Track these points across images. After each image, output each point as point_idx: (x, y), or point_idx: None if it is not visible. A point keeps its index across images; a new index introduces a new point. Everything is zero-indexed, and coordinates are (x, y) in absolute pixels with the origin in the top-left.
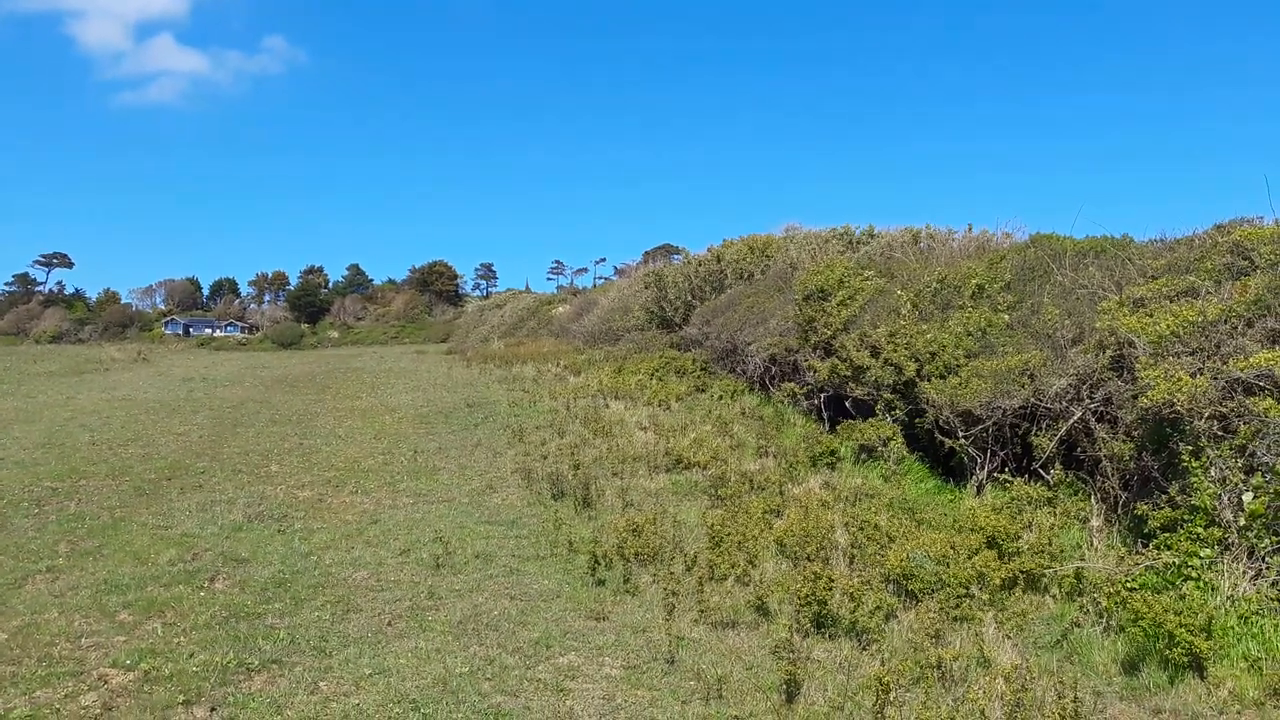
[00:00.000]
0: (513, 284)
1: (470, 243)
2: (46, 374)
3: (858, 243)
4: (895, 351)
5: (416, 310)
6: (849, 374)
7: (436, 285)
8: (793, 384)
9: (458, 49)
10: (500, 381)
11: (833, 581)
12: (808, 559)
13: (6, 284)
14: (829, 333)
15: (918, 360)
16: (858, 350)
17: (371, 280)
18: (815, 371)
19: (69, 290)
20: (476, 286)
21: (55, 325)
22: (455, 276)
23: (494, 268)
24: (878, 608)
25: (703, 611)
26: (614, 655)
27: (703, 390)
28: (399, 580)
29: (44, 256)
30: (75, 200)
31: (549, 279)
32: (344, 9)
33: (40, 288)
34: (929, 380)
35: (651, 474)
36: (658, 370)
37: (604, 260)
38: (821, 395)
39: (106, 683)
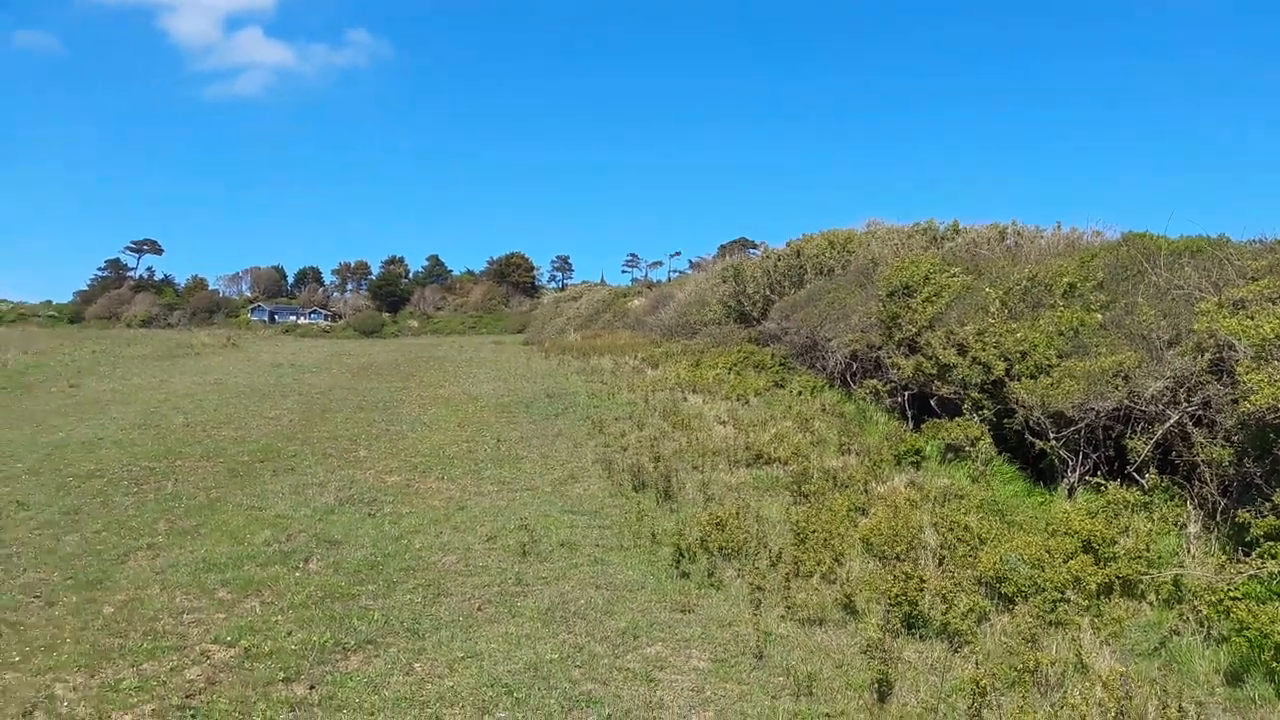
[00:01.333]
0: (588, 276)
1: (547, 235)
2: (140, 357)
3: (941, 239)
4: (984, 350)
5: (493, 301)
6: (934, 372)
7: (513, 277)
8: (875, 381)
9: (538, 43)
10: (578, 373)
11: (924, 582)
12: (897, 559)
13: (99, 269)
14: (914, 330)
15: (1007, 359)
16: (944, 348)
17: (450, 271)
18: (899, 369)
19: (159, 276)
20: (552, 279)
21: (145, 310)
22: (532, 268)
23: (570, 260)
24: (970, 610)
25: (789, 608)
26: (701, 647)
27: (781, 385)
28: (487, 566)
29: (135, 243)
30: (165, 188)
31: (623, 272)
32: (428, 2)
33: (131, 273)
34: (1019, 380)
35: (732, 468)
36: (736, 364)
37: (679, 254)
38: (905, 393)
39: (209, 658)
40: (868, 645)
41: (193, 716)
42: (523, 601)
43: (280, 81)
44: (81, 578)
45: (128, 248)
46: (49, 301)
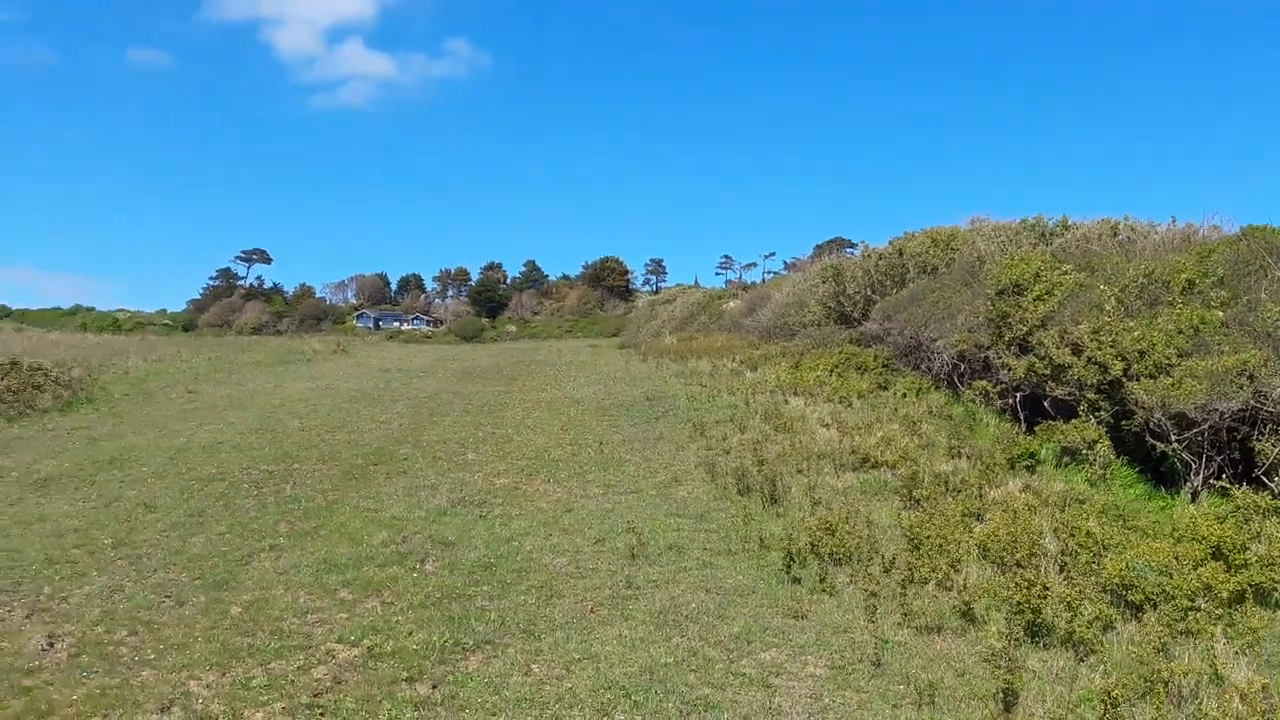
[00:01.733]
0: (681, 279)
1: (640, 239)
2: (254, 364)
3: (1050, 235)
4: (1099, 349)
5: (589, 305)
6: (1048, 373)
7: (608, 281)
8: (985, 382)
9: (630, 49)
10: (677, 376)
11: (1047, 589)
12: (1017, 565)
13: (211, 278)
14: (1025, 329)
15: (1124, 359)
16: (1057, 348)
17: (547, 276)
18: (1010, 370)
19: (267, 284)
20: (646, 282)
21: (255, 317)
22: (626, 272)
23: (663, 263)
24: (1096, 618)
25: (906, 615)
26: (816, 654)
27: (885, 387)
28: (597, 568)
29: (244, 253)
30: (273, 199)
31: (717, 274)
32: (525, 11)
33: (241, 282)
34: (1137, 380)
35: (838, 472)
36: (837, 366)
37: (773, 255)
38: (1016, 394)
39: (334, 657)
40: (991, 654)
41: (321, 715)
42: (634, 604)
43: (381, 92)
44: (209, 578)
45: (238, 257)
46: (164, 310)
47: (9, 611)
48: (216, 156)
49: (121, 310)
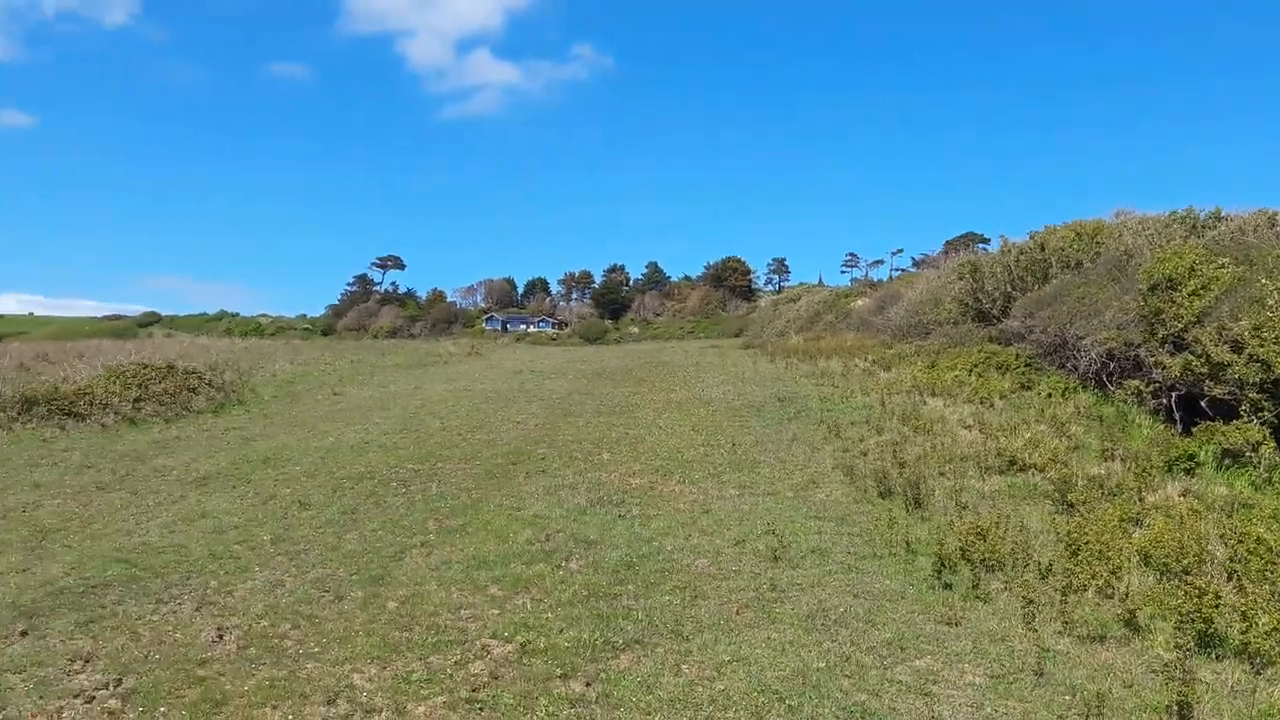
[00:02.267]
0: (805, 278)
1: (763, 239)
2: (394, 366)
3: (1202, 227)
4: (1262, 346)
5: (710, 306)
6: (1205, 371)
7: (730, 281)
8: (1137, 381)
9: (753, 52)
10: (807, 376)
11: (1219, 598)
12: (1184, 573)
13: (348, 284)
14: (1180, 326)
15: None
16: (1216, 345)
17: (669, 277)
18: (1164, 368)
19: (401, 290)
20: (769, 281)
21: (390, 321)
22: (748, 272)
23: (786, 262)
24: (1274, 629)
25: (1066, 623)
26: (974, 662)
27: (1028, 387)
28: (739, 570)
29: (379, 259)
30: (406, 206)
31: (842, 272)
32: (649, 16)
33: (377, 288)
34: None
35: (983, 475)
36: (976, 365)
37: (900, 251)
38: (1171, 394)
39: (489, 653)
40: (1165, 665)
41: (480, 710)
42: (780, 607)
43: (508, 99)
44: (364, 574)
45: (373, 264)
46: (304, 315)
47: (179, 604)
48: (353, 166)
49: (263, 315)
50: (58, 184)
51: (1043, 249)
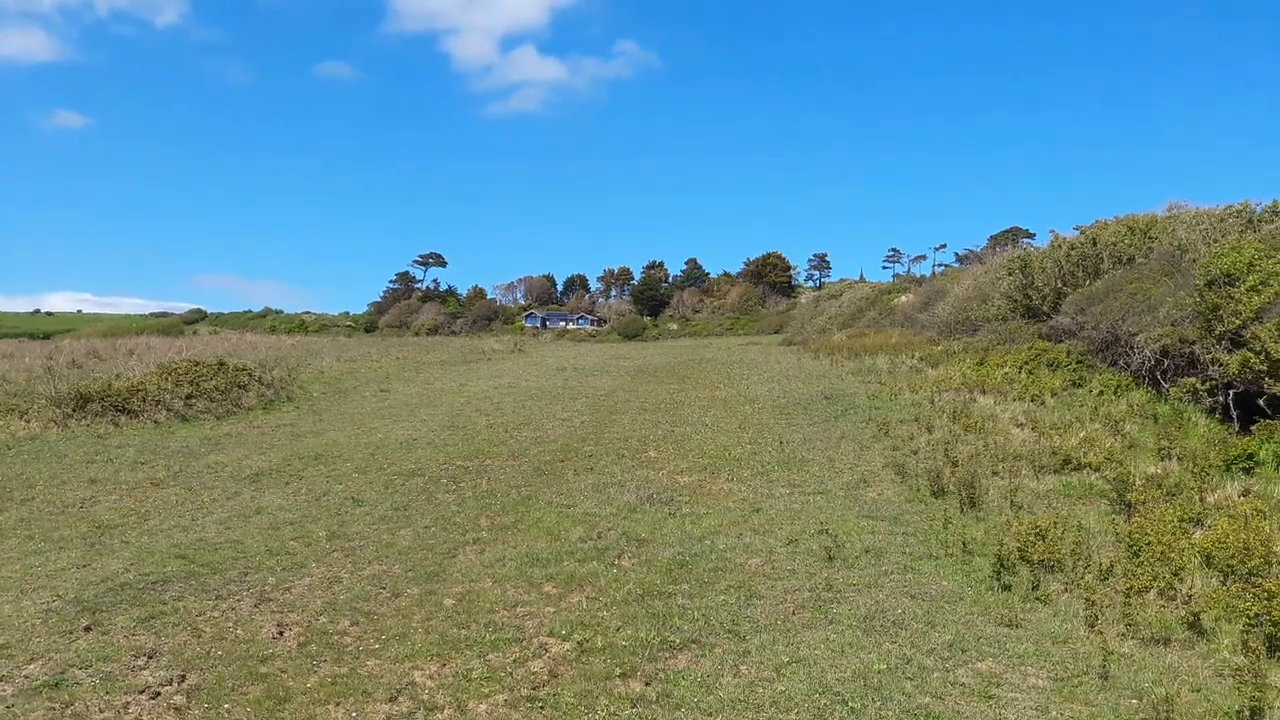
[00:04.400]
0: (846, 274)
1: (803, 234)
2: (439, 363)
3: (1259, 221)
4: None
5: (750, 302)
6: (1265, 368)
7: (770, 277)
8: (1193, 379)
9: (793, 47)
10: (853, 373)
11: None
12: (1250, 574)
13: (390, 282)
14: (1238, 322)
15: None
16: (1276, 342)
17: (708, 274)
18: (1221, 365)
19: (443, 287)
20: (809, 277)
21: (431, 319)
22: (788, 268)
23: (827, 258)
24: None
25: (1129, 625)
26: (1036, 665)
27: (1079, 385)
28: (794, 570)
29: (421, 257)
30: (448, 204)
31: (884, 267)
32: (693, 12)
33: (419, 285)
34: None
35: (1037, 474)
36: (1027, 363)
37: (943, 246)
38: (1228, 392)
39: (547, 650)
40: (1236, 669)
41: (541, 709)
42: (837, 608)
43: (553, 96)
44: (420, 570)
45: (415, 261)
46: (346, 312)
47: (239, 601)
48: (396, 164)
49: (307, 313)
50: (108, 184)
51: (1094, 244)
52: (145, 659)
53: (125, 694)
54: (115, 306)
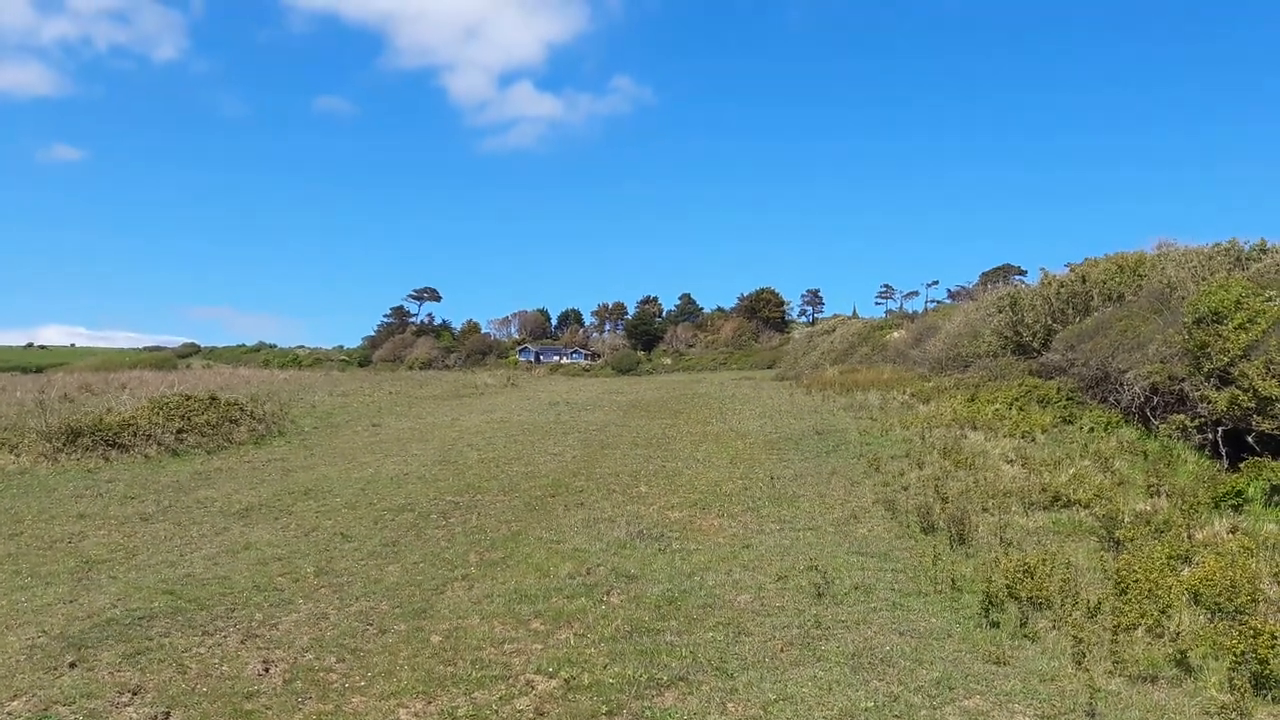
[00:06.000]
0: (839, 309)
1: (797, 270)
2: (431, 397)
3: (1247, 259)
4: None
5: (744, 337)
6: (1253, 405)
7: (763, 312)
8: (1182, 416)
9: (788, 84)
10: (845, 409)
11: (1276, 638)
12: (1236, 611)
13: (385, 315)
14: (1226, 359)
15: None
16: (1264, 379)
17: (701, 309)
18: (1210, 402)
19: (437, 321)
20: (803, 313)
21: (425, 353)
22: (782, 303)
23: (820, 294)
24: None
25: (1117, 663)
26: (1024, 703)
27: (1070, 421)
28: (783, 606)
29: (416, 291)
30: (444, 238)
31: (877, 303)
32: (688, 48)
33: (413, 319)
34: None
35: (1027, 511)
36: (1017, 399)
37: (936, 283)
38: (1217, 429)
39: (534, 688)
40: (1222, 706)
41: None
42: (825, 645)
43: (549, 131)
44: (407, 607)
45: (410, 295)
46: (340, 346)
47: (225, 637)
48: (393, 198)
49: (301, 347)
50: (103, 217)
51: (1084, 281)
52: (130, 695)
53: None
54: (109, 340)
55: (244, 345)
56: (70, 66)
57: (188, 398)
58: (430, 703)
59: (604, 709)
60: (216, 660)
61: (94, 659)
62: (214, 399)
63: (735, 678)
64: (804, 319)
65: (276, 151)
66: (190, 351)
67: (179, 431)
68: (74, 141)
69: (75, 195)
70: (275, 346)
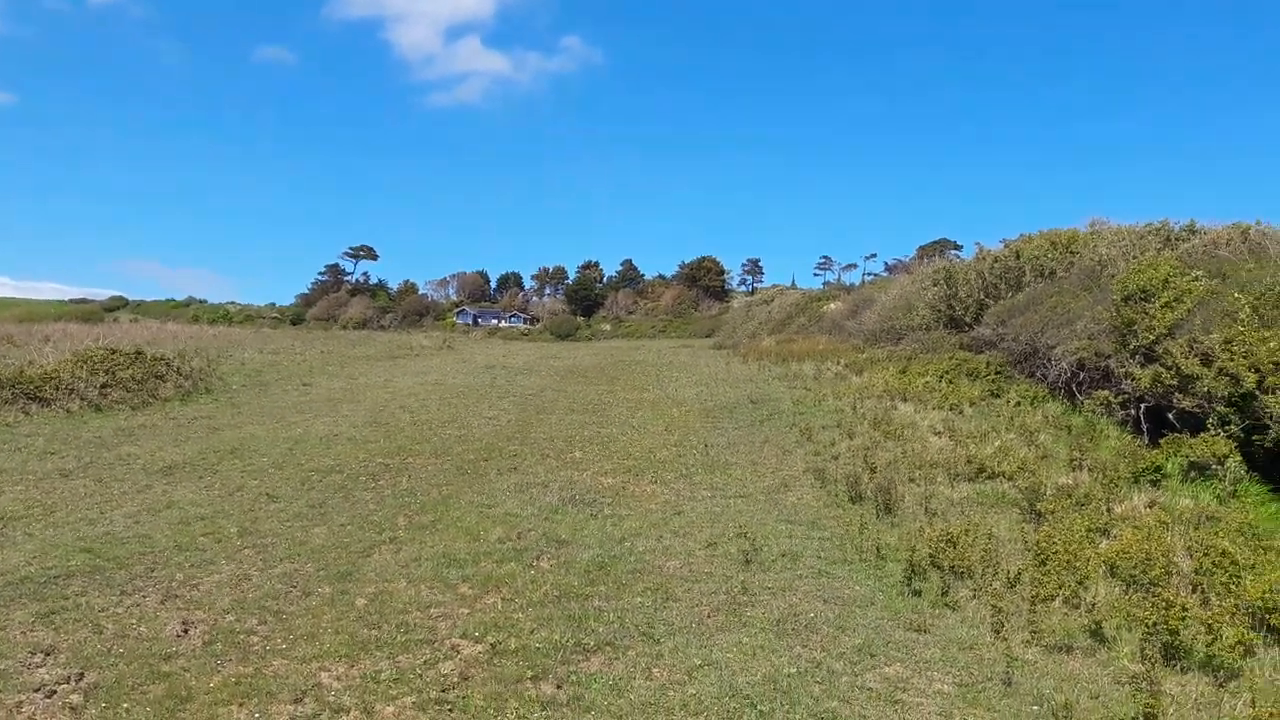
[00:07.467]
0: (778, 280)
1: (738, 239)
2: (365, 358)
3: (1176, 240)
4: (1232, 360)
5: (684, 305)
6: (1175, 383)
7: (704, 280)
8: (1106, 392)
9: (736, 51)
10: (780, 379)
11: (1186, 610)
12: (1151, 584)
13: (319, 274)
14: (1151, 337)
15: (1258, 371)
16: (1186, 358)
17: (643, 275)
18: (1134, 379)
19: (373, 281)
20: (743, 282)
21: (360, 313)
22: (722, 272)
23: (760, 263)
24: (1238, 642)
25: (1034, 632)
26: (943, 670)
27: (997, 395)
28: (711, 573)
29: (352, 249)
30: (383, 196)
31: (815, 275)
32: (637, 11)
33: (348, 278)
34: (1273, 393)
35: (952, 482)
36: (948, 372)
37: (874, 256)
38: (1140, 405)
39: (459, 653)
40: (1133, 676)
41: (450, 711)
42: (751, 611)
43: (496, 88)
44: (333, 570)
45: (345, 254)
46: (273, 304)
47: (144, 597)
48: (332, 153)
49: (232, 303)
50: (29, 165)
51: (1017, 257)
52: (42, 656)
53: (19, 692)
54: (34, 291)
55: (173, 300)
56: (3, 6)
57: (113, 352)
58: (353, 666)
59: (529, 673)
60: (134, 621)
61: (5, 618)
62: (140, 354)
63: (661, 643)
64: (744, 288)
65: (213, 101)
66: (118, 305)
67: (103, 386)
68: (4, 85)
69: (1, 140)
70: (206, 302)
